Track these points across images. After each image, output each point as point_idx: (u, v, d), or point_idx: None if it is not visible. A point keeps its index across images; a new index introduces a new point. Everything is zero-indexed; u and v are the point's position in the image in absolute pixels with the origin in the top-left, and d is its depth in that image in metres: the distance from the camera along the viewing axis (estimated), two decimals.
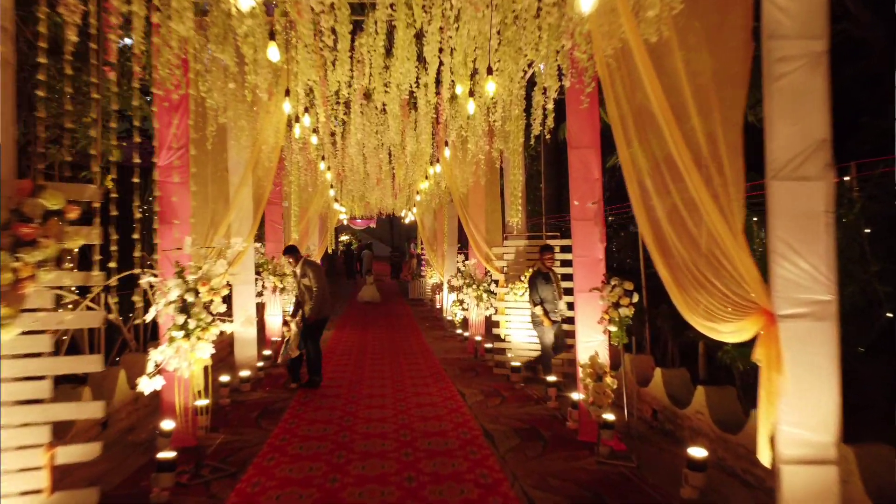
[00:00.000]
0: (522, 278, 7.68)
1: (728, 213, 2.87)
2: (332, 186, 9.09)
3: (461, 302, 10.18)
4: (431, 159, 8.07)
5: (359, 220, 30.14)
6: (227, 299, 9.79)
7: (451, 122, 6.62)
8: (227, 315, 5.21)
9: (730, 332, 2.94)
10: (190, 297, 4.53)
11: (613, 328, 4.90)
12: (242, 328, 4.85)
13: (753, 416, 4.27)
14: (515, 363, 7.53)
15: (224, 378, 6.89)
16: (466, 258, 10.02)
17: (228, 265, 5.02)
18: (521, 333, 7.86)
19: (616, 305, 4.83)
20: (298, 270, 7.42)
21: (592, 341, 5.35)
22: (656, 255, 3.15)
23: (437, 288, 14.80)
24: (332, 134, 7.43)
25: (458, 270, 9.98)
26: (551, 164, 10.49)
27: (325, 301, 7.51)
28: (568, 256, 7.67)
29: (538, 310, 6.87)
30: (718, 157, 2.90)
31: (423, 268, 18.31)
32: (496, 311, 8.20)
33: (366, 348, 10.61)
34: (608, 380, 4.81)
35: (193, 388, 5.01)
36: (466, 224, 8.18)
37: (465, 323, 11.97)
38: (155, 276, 4.89)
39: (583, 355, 5.37)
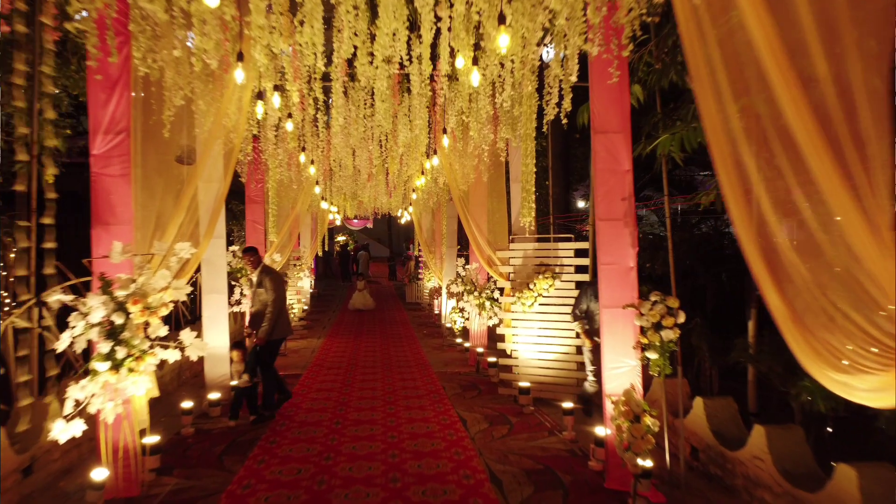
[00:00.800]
0: (531, 286, 6.68)
1: (872, 209, 1.87)
2: (317, 182, 8.07)
3: (461, 310, 9.17)
4: (428, 151, 7.07)
5: (355, 221, 29.12)
6: (199, 311, 8.76)
7: (450, 105, 5.62)
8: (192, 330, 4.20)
9: (870, 389, 1.94)
10: (118, 319, 3.52)
11: (654, 355, 3.90)
12: (193, 352, 3.82)
13: (842, 473, 3.29)
14: (524, 383, 6.52)
15: (186, 404, 5.88)
16: (467, 262, 9.02)
17: (174, 276, 4.01)
18: (529, 349, 6.85)
19: (657, 327, 3.82)
20: (255, 278, 6.33)
21: (622, 367, 4.35)
22: (763, 275, 2.13)
23: (436, 292, 13.79)
24: (314, 120, 6.42)
25: (458, 275, 8.97)
26: (558, 157, 9.48)
27: (283, 317, 6.34)
28: (581, 261, 6.68)
29: (577, 326, 5.80)
30: (856, 126, 1.89)
31: (420, 270, 17.30)
32: (501, 322, 7.21)
33: (357, 360, 9.61)
34: (648, 421, 3.80)
35: (128, 427, 4.00)
36: (467, 225, 7.19)
37: (465, 332, 10.97)
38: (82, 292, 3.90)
39: (611, 384, 4.37)
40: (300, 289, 11.91)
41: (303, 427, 5.98)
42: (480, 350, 8.87)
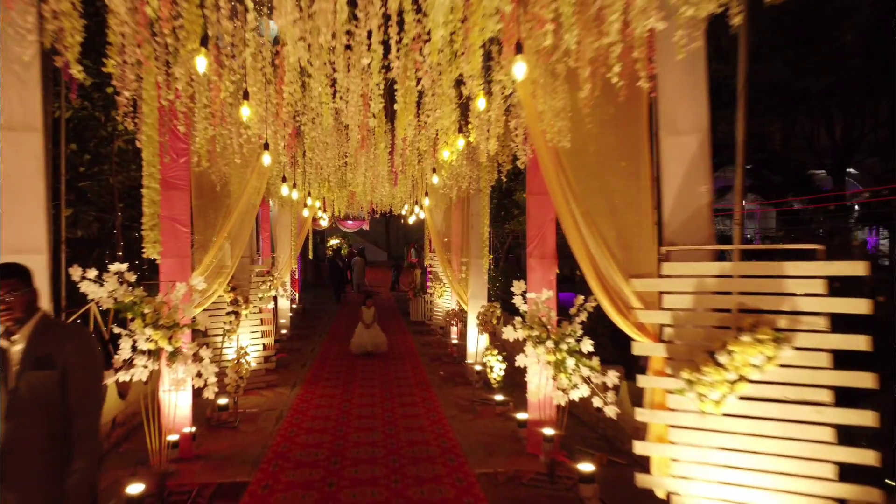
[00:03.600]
0: (722, 358, 2.86)
1: None
2: (266, 146, 4.19)
3: (516, 365, 5.31)
4: (485, 69, 3.28)
5: (349, 222, 25.22)
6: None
7: None
8: None
9: None
10: None
11: None
12: None
13: None
14: None
15: None
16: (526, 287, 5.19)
17: None
18: (717, 492, 3.01)
19: None
20: (19, 345, 2.34)
21: None
22: None
23: (454, 316, 9.93)
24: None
25: (519, 313, 5.12)
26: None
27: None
28: (848, 305, 2.87)
29: None
30: None
31: (428, 281, 13.44)
32: (649, 420, 3.39)
33: (345, 441, 5.75)
34: None
35: None
36: (569, 222, 3.27)
37: (507, 383, 7.19)
38: None
39: None
40: (269, 316, 8.04)
41: None
42: (550, 433, 5.09)
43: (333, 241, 28.53)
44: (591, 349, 4.62)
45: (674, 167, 3.18)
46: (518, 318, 4.98)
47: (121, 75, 3.44)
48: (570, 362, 4.65)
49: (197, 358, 4.73)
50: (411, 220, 11.39)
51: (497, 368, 7.10)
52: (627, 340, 3.40)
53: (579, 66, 3.11)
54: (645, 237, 3.24)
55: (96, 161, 7.25)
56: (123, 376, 4.44)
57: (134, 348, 4.45)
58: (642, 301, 3.18)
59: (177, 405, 5.04)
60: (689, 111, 3.18)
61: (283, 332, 11.50)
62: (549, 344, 4.71)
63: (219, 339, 7.03)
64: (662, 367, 3.13)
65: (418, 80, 3.56)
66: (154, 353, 4.50)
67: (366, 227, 26.83)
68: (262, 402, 7.14)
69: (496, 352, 7.11)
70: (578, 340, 4.65)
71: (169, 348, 4.45)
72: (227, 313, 6.56)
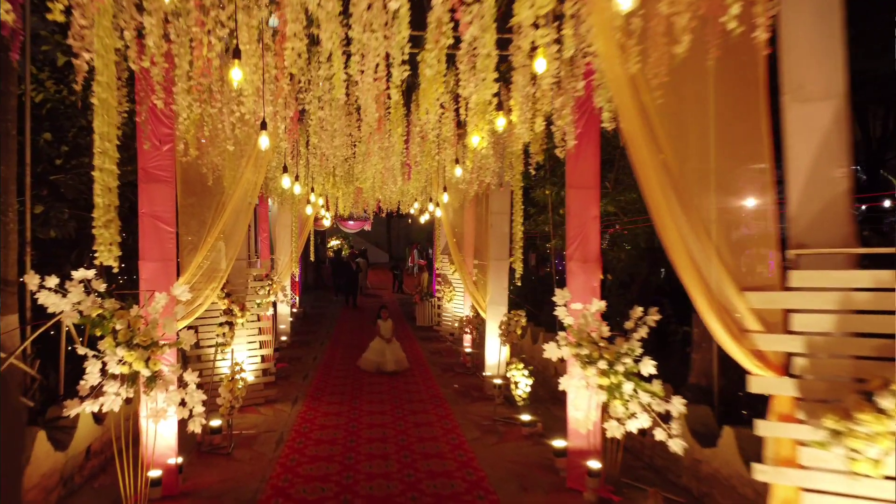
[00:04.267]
0: (886, 402, 2.07)
1: None
2: (263, 125, 3.40)
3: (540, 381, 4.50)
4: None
5: (351, 222, 24.41)
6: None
7: None
8: None
9: None
10: None
11: None
12: None
13: None
14: None
15: None
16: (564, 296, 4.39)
17: None
18: None
19: None
20: None
21: None
22: None
23: (469, 323, 9.11)
24: None
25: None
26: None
27: None
28: None
29: None
30: None
31: (435, 284, 12.62)
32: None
33: (356, 465, 4.94)
34: None
35: None
36: (668, 219, 2.41)
37: (533, 399, 6.39)
38: None
39: None
40: (267, 325, 7.22)
41: None
42: (596, 466, 4.30)
43: (334, 242, 27.68)
44: (654, 371, 3.83)
45: (802, 144, 2.39)
46: (562, 334, 4.17)
47: (77, 32, 2.64)
48: (628, 387, 3.86)
49: (181, 383, 3.91)
50: (423, 219, 10.56)
51: (523, 384, 6.30)
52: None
53: (678, 11, 2.32)
54: (764, 237, 2.44)
55: (75, 153, 6.42)
56: (91, 406, 3.63)
57: (104, 372, 3.64)
58: (761, 321, 2.39)
59: (158, 433, 4.22)
60: (821, 71, 2.39)
61: (283, 338, 10.69)
62: (602, 365, 3.92)
63: (211, 351, 6.21)
64: (790, 409, 2.33)
65: (456, 39, 2.74)
66: (129, 378, 3.70)
67: (368, 227, 25.99)
68: (260, 422, 6.33)
69: (522, 366, 6.31)
70: (637, 361, 3.86)
71: (146, 372, 3.64)
72: (220, 324, 5.74)
